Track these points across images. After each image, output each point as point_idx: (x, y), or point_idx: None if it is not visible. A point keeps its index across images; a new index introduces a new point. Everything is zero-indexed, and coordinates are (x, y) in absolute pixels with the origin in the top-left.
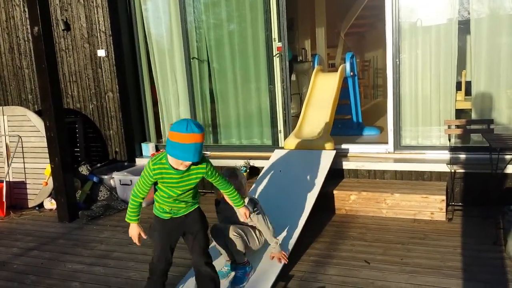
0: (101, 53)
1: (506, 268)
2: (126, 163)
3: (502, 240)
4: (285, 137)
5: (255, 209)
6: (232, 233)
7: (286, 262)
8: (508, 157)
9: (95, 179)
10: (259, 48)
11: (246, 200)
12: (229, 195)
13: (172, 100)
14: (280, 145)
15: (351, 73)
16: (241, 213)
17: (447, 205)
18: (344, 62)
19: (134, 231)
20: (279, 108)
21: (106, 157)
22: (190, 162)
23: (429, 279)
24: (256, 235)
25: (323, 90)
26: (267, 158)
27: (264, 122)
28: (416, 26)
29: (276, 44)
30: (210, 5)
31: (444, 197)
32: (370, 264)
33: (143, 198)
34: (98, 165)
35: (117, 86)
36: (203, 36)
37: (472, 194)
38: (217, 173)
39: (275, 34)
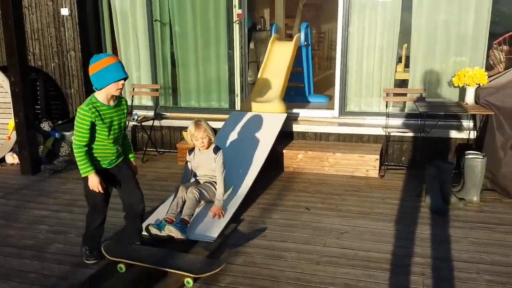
0: (64, 11)
1: (424, 215)
2: None
3: (423, 193)
4: (242, 101)
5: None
6: (192, 191)
7: (222, 217)
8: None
9: (57, 135)
10: (220, 13)
11: (213, 146)
12: (126, 144)
13: (133, 62)
14: (236, 108)
15: (305, 43)
16: (132, 165)
17: (381, 164)
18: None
19: (94, 181)
20: (237, 73)
21: (66, 115)
22: (124, 82)
23: (358, 221)
24: (214, 189)
25: (278, 58)
26: (224, 120)
27: (222, 86)
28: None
29: (236, 10)
30: None
31: (378, 157)
32: (310, 211)
33: (86, 146)
34: (60, 122)
35: (79, 45)
36: None
37: (403, 155)
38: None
39: (235, 0)
